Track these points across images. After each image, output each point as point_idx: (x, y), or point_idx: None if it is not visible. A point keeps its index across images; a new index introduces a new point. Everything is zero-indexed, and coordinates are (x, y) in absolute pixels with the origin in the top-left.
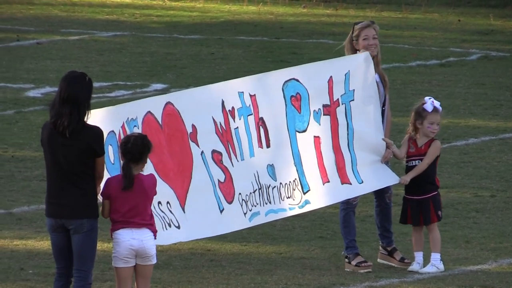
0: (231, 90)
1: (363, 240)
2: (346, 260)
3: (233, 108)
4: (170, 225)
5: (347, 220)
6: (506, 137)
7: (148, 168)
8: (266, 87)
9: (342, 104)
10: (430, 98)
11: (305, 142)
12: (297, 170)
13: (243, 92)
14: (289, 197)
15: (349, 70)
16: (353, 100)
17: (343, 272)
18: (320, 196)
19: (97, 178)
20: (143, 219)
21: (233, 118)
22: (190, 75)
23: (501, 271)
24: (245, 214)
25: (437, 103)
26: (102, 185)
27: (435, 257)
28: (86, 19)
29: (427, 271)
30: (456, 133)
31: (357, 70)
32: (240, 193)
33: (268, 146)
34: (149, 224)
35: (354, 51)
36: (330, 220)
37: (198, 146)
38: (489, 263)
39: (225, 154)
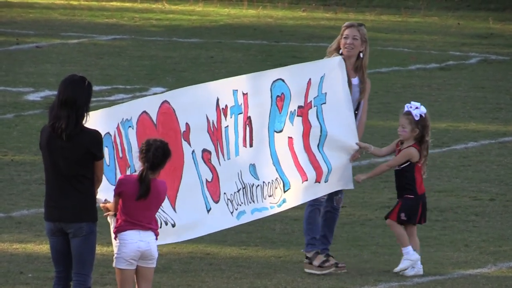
0: (226, 88)
1: (362, 243)
2: (306, 260)
3: (226, 106)
4: (166, 223)
5: (312, 217)
6: (506, 141)
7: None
8: (257, 87)
9: (314, 106)
10: (412, 103)
11: (281, 142)
12: (276, 170)
13: (237, 90)
14: (271, 196)
15: (324, 73)
16: (324, 103)
17: (342, 276)
18: (296, 195)
19: (95, 182)
20: (149, 222)
21: (225, 116)
22: (190, 79)
23: (500, 275)
24: (231, 213)
25: (414, 110)
26: (101, 187)
27: (405, 251)
28: (85, 22)
29: (402, 267)
30: (456, 137)
31: (331, 73)
32: (225, 193)
33: (251, 145)
34: (154, 228)
35: (338, 49)
36: None
37: (190, 145)
38: (488, 267)
39: (213, 153)
